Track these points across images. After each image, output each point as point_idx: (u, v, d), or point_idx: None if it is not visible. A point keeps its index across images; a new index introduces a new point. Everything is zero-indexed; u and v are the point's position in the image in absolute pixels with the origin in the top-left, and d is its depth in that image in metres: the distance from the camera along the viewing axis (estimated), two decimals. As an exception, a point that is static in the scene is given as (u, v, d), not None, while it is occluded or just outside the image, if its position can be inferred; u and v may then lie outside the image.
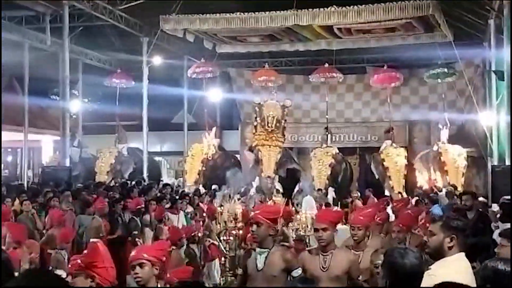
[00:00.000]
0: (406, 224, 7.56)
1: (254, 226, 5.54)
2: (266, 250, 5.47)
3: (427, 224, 8.19)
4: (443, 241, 4.34)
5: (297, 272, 5.35)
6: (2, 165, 28.33)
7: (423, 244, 5.92)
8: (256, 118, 19.59)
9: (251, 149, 19.93)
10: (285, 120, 19.60)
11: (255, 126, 19.62)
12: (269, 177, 18.30)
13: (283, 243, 8.09)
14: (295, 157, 21.81)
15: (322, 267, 5.52)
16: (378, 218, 8.20)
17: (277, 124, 19.09)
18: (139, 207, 11.93)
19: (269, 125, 19.00)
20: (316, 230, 5.76)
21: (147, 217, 11.72)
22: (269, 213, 5.69)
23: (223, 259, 10.96)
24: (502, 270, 3.60)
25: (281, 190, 16.75)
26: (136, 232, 10.97)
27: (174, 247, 7.84)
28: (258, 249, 5.59)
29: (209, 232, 10.92)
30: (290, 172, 19.72)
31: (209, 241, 10.73)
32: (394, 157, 19.03)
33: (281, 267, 5.37)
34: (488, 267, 3.66)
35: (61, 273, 6.88)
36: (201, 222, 11.90)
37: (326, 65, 20.80)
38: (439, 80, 20.68)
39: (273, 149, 18.80)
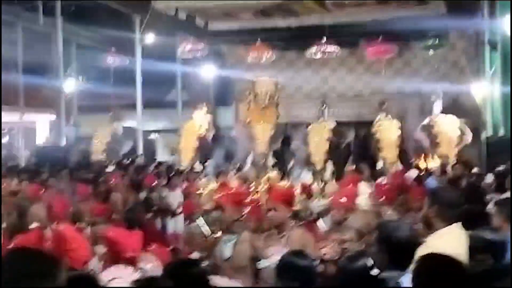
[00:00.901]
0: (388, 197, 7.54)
1: (217, 212, 5.03)
2: (234, 237, 4.96)
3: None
4: (427, 213, 4.37)
5: (263, 263, 4.72)
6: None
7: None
8: (249, 94, 19.53)
9: (244, 125, 19.85)
10: (278, 96, 19.47)
11: (248, 102, 19.57)
12: (262, 153, 18.29)
13: None
14: (290, 132, 21.74)
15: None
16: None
17: (271, 100, 18.92)
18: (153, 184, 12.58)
19: (262, 101, 18.95)
20: (268, 209, 5.27)
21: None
22: (235, 196, 5.21)
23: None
24: (489, 240, 3.61)
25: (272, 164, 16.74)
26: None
27: None
28: (224, 237, 5.06)
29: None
30: (283, 144, 19.71)
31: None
32: (387, 128, 19.00)
33: (249, 256, 4.88)
34: (476, 236, 3.66)
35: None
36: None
37: (324, 39, 20.60)
38: (431, 52, 20.60)
39: (267, 125, 18.73)
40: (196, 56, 22.34)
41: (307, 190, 10.13)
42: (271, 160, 17.76)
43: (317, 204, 9.95)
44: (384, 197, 7.62)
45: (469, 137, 18.43)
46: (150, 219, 11.09)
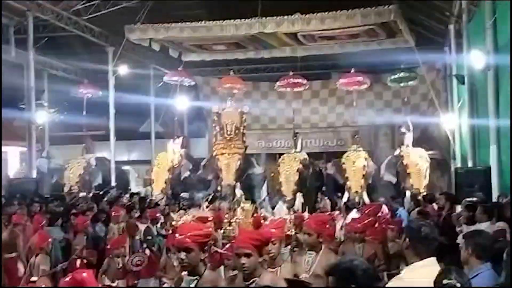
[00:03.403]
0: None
1: (183, 254, 4.61)
2: (195, 278, 4.66)
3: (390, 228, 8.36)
4: (402, 245, 4.39)
5: None
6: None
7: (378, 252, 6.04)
8: (215, 126, 19.57)
9: (212, 157, 19.80)
10: (244, 127, 19.47)
11: (215, 135, 19.64)
12: (229, 185, 18.23)
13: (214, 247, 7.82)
14: (263, 162, 21.73)
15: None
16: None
17: (236, 131, 19.01)
18: (155, 216, 12.54)
19: (228, 132, 18.96)
20: (237, 255, 4.85)
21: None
22: (199, 237, 4.71)
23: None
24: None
25: (240, 196, 16.62)
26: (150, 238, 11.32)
27: None
28: (186, 278, 4.77)
29: (214, 241, 10.31)
30: (251, 176, 19.63)
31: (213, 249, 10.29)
32: (352, 159, 19.11)
33: None
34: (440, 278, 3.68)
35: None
36: (170, 231, 11.77)
37: (291, 73, 20.70)
38: (402, 84, 20.85)
39: (232, 156, 18.70)
40: (181, 84, 22.18)
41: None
42: (239, 191, 17.67)
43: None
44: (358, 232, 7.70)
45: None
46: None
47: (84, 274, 4.53)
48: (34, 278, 8.08)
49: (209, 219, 9.69)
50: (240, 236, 5.21)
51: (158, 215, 12.84)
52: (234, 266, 5.23)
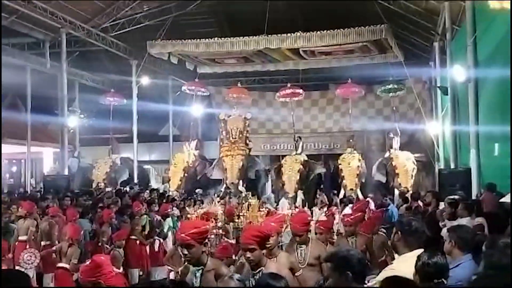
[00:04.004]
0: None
1: (185, 249, 4.64)
2: (200, 268, 4.68)
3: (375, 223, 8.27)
4: (393, 238, 4.38)
5: None
6: (7, 175, 27.94)
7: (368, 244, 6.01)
8: (221, 131, 19.63)
9: (219, 159, 19.82)
10: (247, 131, 19.49)
11: (222, 139, 19.70)
12: (232, 183, 18.26)
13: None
14: (268, 163, 21.73)
15: (252, 284, 4.64)
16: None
17: (240, 135, 19.01)
18: (166, 211, 12.51)
19: (233, 136, 18.99)
20: (243, 249, 4.90)
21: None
22: (198, 234, 4.68)
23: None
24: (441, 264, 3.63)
25: (245, 193, 16.58)
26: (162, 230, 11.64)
27: None
28: (192, 268, 4.81)
29: (225, 232, 10.20)
30: (256, 175, 19.64)
31: (225, 240, 10.20)
32: (348, 160, 19.09)
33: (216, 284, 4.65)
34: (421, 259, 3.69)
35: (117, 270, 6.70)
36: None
37: (289, 85, 20.72)
38: (391, 95, 20.81)
39: (236, 157, 18.68)
40: (197, 94, 22.29)
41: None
42: (242, 188, 17.69)
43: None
44: (348, 226, 7.64)
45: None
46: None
47: (102, 258, 4.58)
48: (62, 264, 8.07)
49: (216, 214, 9.66)
50: (244, 233, 5.15)
51: (169, 210, 12.79)
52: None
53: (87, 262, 4.62)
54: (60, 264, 7.88)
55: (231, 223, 9.51)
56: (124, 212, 12.29)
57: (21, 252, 8.91)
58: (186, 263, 4.96)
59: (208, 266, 4.61)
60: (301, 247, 6.29)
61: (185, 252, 4.66)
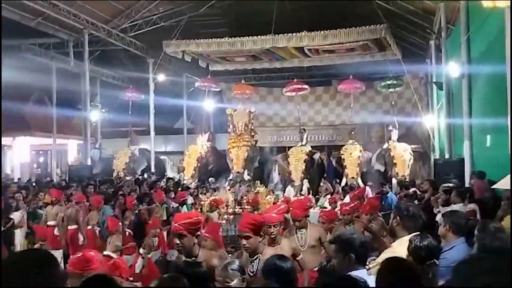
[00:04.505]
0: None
1: (177, 239, 4.45)
2: (192, 259, 4.32)
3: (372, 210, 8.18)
4: (392, 222, 4.37)
5: None
6: (35, 165, 28.13)
7: (365, 229, 5.95)
8: (229, 125, 19.69)
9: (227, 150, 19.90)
10: (252, 124, 19.66)
11: (229, 132, 19.78)
12: (238, 172, 18.33)
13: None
14: (275, 154, 21.72)
15: (250, 271, 4.55)
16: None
17: (245, 128, 19.18)
18: (183, 199, 12.51)
19: (239, 129, 19.13)
20: (239, 237, 4.76)
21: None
22: (190, 224, 4.44)
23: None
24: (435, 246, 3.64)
25: (253, 181, 16.59)
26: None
27: None
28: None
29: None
30: (264, 164, 19.74)
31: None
32: (350, 151, 19.06)
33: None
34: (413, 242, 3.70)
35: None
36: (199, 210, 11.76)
37: (295, 80, 20.74)
38: (390, 90, 20.70)
39: (241, 148, 18.78)
40: (209, 90, 22.37)
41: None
42: (246, 177, 17.76)
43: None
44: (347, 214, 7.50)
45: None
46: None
47: (92, 253, 4.33)
48: (108, 252, 7.67)
49: (227, 201, 9.65)
50: (240, 221, 4.99)
51: (185, 197, 12.83)
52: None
53: (78, 254, 4.40)
54: (105, 252, 7.62)
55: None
56: (143, 199, 12.34)
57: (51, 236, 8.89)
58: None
59: (199, 258, 4.38)
60: (301, 231, 6.19)
61: (177, 241, 4.48)
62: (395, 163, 18.26)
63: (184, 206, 12.36)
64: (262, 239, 4.78)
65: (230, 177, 17.97)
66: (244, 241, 4.61)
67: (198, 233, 4.47)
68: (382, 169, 18.96)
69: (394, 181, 17.16)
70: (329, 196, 14.03)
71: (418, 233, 3.97)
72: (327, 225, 7.14)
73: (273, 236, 5.32)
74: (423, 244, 3.66)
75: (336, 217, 7.66)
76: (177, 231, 4.46)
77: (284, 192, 15.61)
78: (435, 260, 3.58)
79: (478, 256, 3.96)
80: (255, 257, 4.60)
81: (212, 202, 11.14)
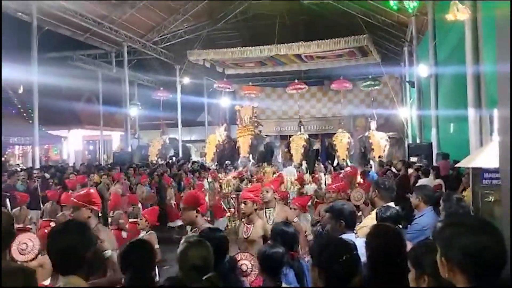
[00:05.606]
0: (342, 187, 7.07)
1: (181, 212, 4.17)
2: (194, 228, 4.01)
3: (364, 183, 8.16)
4: (372, 194, 4.37)
5: None
6: (86, 152, 28.30)
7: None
8: (237, 119, 19.86)
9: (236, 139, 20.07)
10: (256, 117, 19.93)
11: (238, 124, 19.94)
12: (244, 156, 18.45)
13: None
14: (277, 142, 21.68)
15: (245, 234, 4.56)
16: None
17: (250, 120, 19.45)
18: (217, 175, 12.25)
19: (245, 122, 19.38)
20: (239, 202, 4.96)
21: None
22: (189, 197, 4.19)
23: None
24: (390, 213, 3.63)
25: (259, 163, 16.60)
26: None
27: None
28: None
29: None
30: (270, 149, 19.83)
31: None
32: (340, 138, 19.05)
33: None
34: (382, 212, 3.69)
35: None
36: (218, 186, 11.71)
37: (296, 80, 20.80)
38: (371, 88, 20.64)
39: (246, 137, 19.02)
40: (226, 90, 22.57)
41: (300, 180, 9.99)
42: (252, 160, 17.83)
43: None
44: (338, 185, 7.26)
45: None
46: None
47: (92, 190, 4.04)
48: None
49: (242, 175, 9.62)
50: (242, 192, 5.19)
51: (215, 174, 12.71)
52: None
53: (83, 191, 4.08)
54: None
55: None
56: (174, 179, 12.41)
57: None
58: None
59: (199, 228, 3.97)
60: (269, 209, 5.42)
61: (180, 213, 4.31)
62: (373, 148, 18.25)
63: (205, 182, 12.36)
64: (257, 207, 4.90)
65: (239, 161, 18.10)
66: (243, 206, 4.76)
67: (198, 207, 4.09)
68: (363, 150, 18.98)
69: (373, 162, 17.12)
70: (322, 174, 14.05)
71: (384, 205, 3.96)
72: (299, 211, 6.35)
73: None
74: (386, 214, 3.65)
75: (306, 204, 6.98)
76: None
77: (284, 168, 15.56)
78: (398, 225, 3.55)
79: (458, 220, 3.97)
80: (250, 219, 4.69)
81: (238, 175, 11.24)
